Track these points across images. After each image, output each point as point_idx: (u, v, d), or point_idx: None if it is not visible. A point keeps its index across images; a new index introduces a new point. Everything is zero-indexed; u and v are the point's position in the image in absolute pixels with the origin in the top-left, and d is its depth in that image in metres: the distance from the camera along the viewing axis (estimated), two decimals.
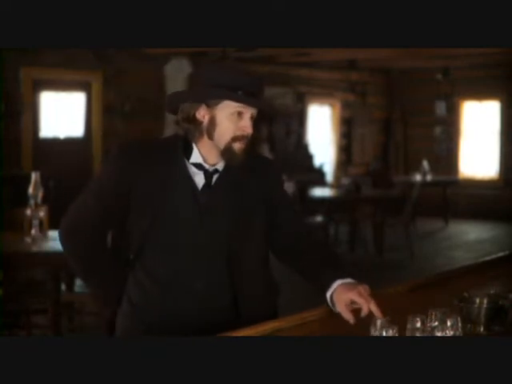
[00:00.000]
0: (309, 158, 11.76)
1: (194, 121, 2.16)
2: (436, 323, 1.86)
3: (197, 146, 2.19)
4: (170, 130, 8.39)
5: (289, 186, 8.57)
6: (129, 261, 2.25)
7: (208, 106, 2.14)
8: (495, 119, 12.54)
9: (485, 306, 2.14)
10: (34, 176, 4.38)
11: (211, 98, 2.13)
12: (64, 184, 7.52)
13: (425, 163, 11.66)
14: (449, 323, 1.83)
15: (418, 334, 1.84)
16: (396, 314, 1.92)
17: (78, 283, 4.94)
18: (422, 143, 13.06)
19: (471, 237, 10.71)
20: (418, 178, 11.32)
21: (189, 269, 2.19)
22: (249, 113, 2.15)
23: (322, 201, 9.29)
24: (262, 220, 2.27)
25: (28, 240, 4.32)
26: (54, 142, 8.89)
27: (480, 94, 12.43)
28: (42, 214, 4.39)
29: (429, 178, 11.52)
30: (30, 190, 4.35)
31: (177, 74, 9.58)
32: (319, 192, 9.79)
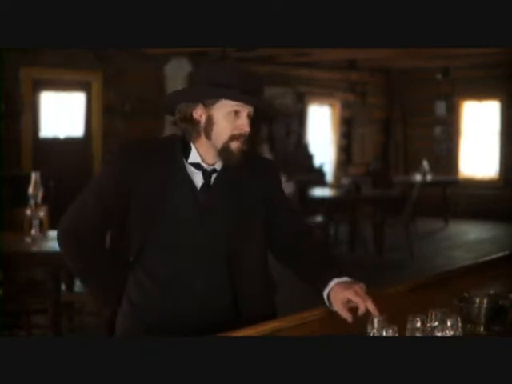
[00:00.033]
0: (309, 158, 11.76)
1: (191, 121, 2.16)
2: (436, 323, 1.86)
3: (195, 146, 2.19)
4: (169, 129, 8.39)
5: (289, 186, 8.57)
6: (128, 261, 2.25)
7: (205, 105, 2.14)
8: (495, 119, 12.54)
9: (485, 306, 2.14)
10: (34, 176, 4.38)
11: (208, 98, 2.14)
12: (64, 184, 7.52)
13: (425, 163, 11.67)
14: (449, 323, 1.83)
15: (418, 334, 1.84)
16: (396, 314, 1.92)
17: (78, 283, 4.94)
18: (422, 143, 13.06)
19: (471, 237, 10.71)
20: (418, 178, 11.32)
21: (189, 269, 2.19)
22: (246, 111, 2.15)
23: (322, 201, 9.29)
24: (262, 220, 2.27)
25: (28, 240, 4.32)
26: (54, 142, 8.89)
27: (480, 93, 12.43)
28: (42, 213, 4.39)
29: (429, 178, 11.52)
30: (30, 190, 4.35)
31: (177, 73, 9.57)
32: (319, 192, 9.79)
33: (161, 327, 2.18)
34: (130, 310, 2.25)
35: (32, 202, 4.35)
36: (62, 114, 8.91)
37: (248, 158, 2.26)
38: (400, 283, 2.53)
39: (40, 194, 4.36)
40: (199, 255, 2.19)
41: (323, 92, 12.20)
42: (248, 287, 2.23)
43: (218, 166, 2.21)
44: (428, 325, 1.87)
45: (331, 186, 11.55)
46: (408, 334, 1.85)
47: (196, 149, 2.19)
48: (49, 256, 4.09)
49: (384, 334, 1.82)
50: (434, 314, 1.89)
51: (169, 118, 2.26)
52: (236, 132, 2.14)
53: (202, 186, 2.19)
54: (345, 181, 10.50)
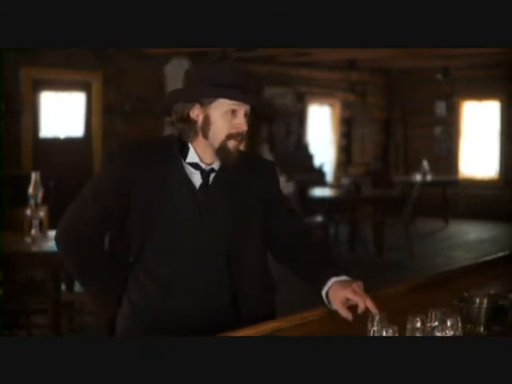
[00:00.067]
0: (309, 157, 11.75)
1: (188, 120, 2.17)
2: (436, 323, 1.86)
3: (192, 146, 2.19)
4: (170, 130, 8.39)
5: (289, 186, 8.58)
6: (127, 262, 2.24)
7: (202, 104, 2.14)
8: (495, 119, 12.54)
9: (485, 306, 2.14)
10: (34, 176, 4.38)
11: (205, 97, 2.14)
12: (64, 184, 7.52)
13: (425, 163, 11.67)
14: (449, 323, 1.83)
15: (418, 334, 1.84)
16: (396, 314, 1.92)
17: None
18: (422, 143, 13.06)
19: (471, 237, 10.71)
20: (418, 178, 11.33)
21: (189, 269, 2.19)
22: (243, 110, 2.15)
23: (322, 201, 9.29)
24: (261, 220, 2.27)
25: (28, 240, 4.32)
26: (54, 142, 8.89)
27: (480, 93, 12.43)
28: (42, 213, 4.40)
29: (429, 178, 11.52)
30: (30, 190, 4.35)
31: (177, 73, 9.57)
32: (319, 192, 9.79)
33: (161, 327, 2.18)
34: (130, 310, 2.25)
35: (32, 202, 4.35)
36: (62, 114, 8.91)
37: (246, 158, 2.27)
38: (400, 283, 2.53)
39: (40, 194, 4.36)
40: (199, 255, 2.19)
41: (323, 92, 12.20)
42: (248, 287, 2.23)
43: (216, 165, 2.21)
44: (428, 325, 1.87)
45: (331, 185, 11.55)
46: (408, 334, 1.85)
47: (194, 148, 2.19)
48: (49, 256, 4.09)
49: (384, 333, 1.82)
50: (434, 313, 1.89)
51: (168, 118, 2.26)
52: (233, 131, 2.15)
53: (201, 185, 2.20)
54: (345, 181, 10.50)
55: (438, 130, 13.02)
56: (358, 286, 2.09)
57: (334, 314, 2.12)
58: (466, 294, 2.21)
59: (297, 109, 11.72)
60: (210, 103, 2.14)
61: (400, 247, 9.12)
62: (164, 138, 2.28)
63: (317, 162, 11.85)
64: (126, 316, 2.26)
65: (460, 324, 1.84)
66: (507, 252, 3.13)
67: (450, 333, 1.82)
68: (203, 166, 2.20)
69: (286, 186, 8.88)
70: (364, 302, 2.02)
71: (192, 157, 2.19)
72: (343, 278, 2.15)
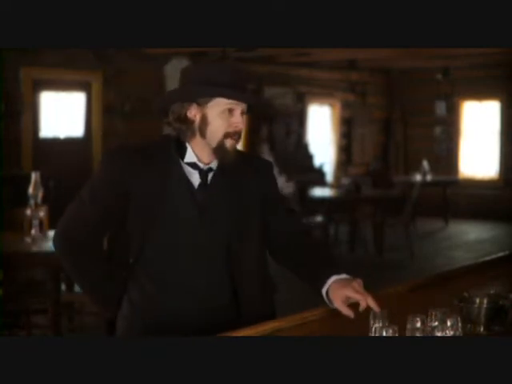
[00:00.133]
0: (309, 157, 11.75)
1: (185, 120, 2.17)
2: (436, 323, 1.86)
3: (190, 146, 2.20)
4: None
5: (289, 186, 8.58)
6: (127, 263, 2.24)
7: (199, 104, 2.15)
8: (495, 119, 12.54)
9: (485, 306, 2.14)
10: (34, 176, 4.38)
11: (201, 97, 2.14)
12: (64, 184, 7.52)
13: (425, 163, 11.67)
14: (449, 323, 1.83)
15: (418, 334, 1.84)
16: (396, 314, 1.92)
17: None
18: (422, 143, 13.06)
19: (471, 237, 10.71)
20: (418, 178, 11.33)
21: (189, 269, 2.19)
22: (239, 109, 2.16)
23: (322, 201, 9.29)
24: (260, 219, 2.28)
25: (28, 240, 4.32)
26: (54, 142, 8.89)
27: (480, 93, 12.43)
28: (42, 213, 4.40)
29: (429, 178, 11.52)
30: (30, 190, 4.35)
31: (177, 74, 9.51)
32: (319, 192, 9.79)
33: (161, 327, 2.18)
34: (130, 310, 2.25)
35: (32, 202, 4.35)
36: (62, 114, 8.91)
37: (244, 157, 2.28)
38: (400, 283, 2.53)
39: (40, 194, 4.36)
40: (199, 255, 2.19)
41: (323, 92, 12.20)
42: (248, 287, 2.23)
43: (214, 164, 2.22)
44: (428, 325, 1.87)
45: (331, 185, 11.55)
46: (408, 334, 1.85)
47: (191, 148, 2.20)
48: (49, 256, 4.09)
49: (384, 333, 1.82)
50: (434, 313, 1.89)
51: (165, 119, 2.26)
52: (231, 129, 2.15)
53: (199, 185, 2.20)
54: (345, 181, 10.51)
55: (437, 130, 13.02)
56: (358, 283, 2.09)
57: (333, 314, 2.12)
58: (465, 294, 2.21)
59: (297, 109, 11.72)
60: (207, 103, 2.14)
61: (400, 247, 9.12)
62: (161, 139, 2.28)
63: (317, 162, 11.85)
64: (125, 316, 2.26)
65: (460, 324, 1.84)
66: (507, 252, 3.13)
67: (450, 333, 1.83)
68: (201, 165, 2.20)
69: (286, 186, 8.88)
70: (365, 300, 2.03)
71: (190, 156, 2.19)
72: (343, 276, 2.16)
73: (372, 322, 1.89)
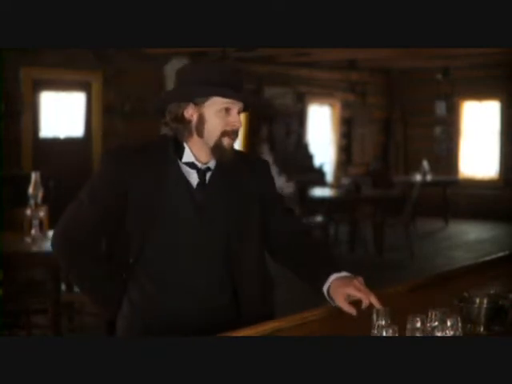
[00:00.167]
0: (309, 157, 11.75)
1: (182, 120, 2.18)
2: (436, 323, 1.86)
3: (188, 145, 2.20)
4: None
5: (289, 186, 8.57)
6: (126, 264, 2.24)
7: (195, 104, 2.15)
8: (495, 119, 12.54)
9: (485, 306, 2.14)
10: (34, 176, 4.38)
11: (198, 96, 2.15)
12: (64, 184, 7.51)
13: (425, 163, 11.67)
14: (449, 323, 1.83)
15: (418, 334, 1.84)
16: (396, 314, 1.92)
17: None
18: (422, 143, 13.06)
19: (471, 237, 10.71)
20: (418, 178, 11.33)
21: (189, 269, 2.19)
22: (236, 108, 2.17)
23: (322, 201, 9.29)
24: (259, 218, 2.28)
25: (28, 240, 4.32)
26: (54, 142, 8.89)
27: (480, 93, 12.43)
28: (42, 213, 4.40)
29: (429, 178, 11.52)
30: (30, 190, 4.35)
31: None
32: (319, 192, 9.79)
33: (161, 327, 2.18)
34: (130, 310, 2.25)
35: (32, 202, 4.35)
36: (62, 114, 8.90)
37: (241, 156, 2.29)
38: (400, 283, 2.53)
39: (40, 194, 4.36)
40: (199, 255, 2.19)
41: (323, 92, 12.19)
42: (248, 287, 2.24)
43: (212, 164, 2.22)
44: (428, 325, 1.87)
45: (331, 185, 11.55)
46: (408, 334, 1.85)
47: (189, 148, 2.20)
48: (49, 256, 4.08)
49: (384, 333, 1.82)
50: (434, 313, 1.89)
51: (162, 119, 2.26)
52: (228, 128, 2.16)
53: (198, 184, 2.20)
54: (345, 181, 10.51)
55: (438, 129, 13.02)
56: (359, 281, 2.11)
57: (333, 313, 2.12)
58: (465, 294, 2.21)
59: (297, 109, 11.71)
60: (204, 102, 2.15)
61: (400, 247, 9.12)
62: (159, 139, 2.28)
63: (317, 162, 11.85)
64: (125, 316, 2.26)
65: (460, 324, 1.84)
66: (507, 252, 3.13)
67: (450, 333, 1.82)
68: (199, 164, 2.21)
69: (286, 186, 8.88)
70: (368, 298, 2.04)
71: (188, 156, 2.20)
72: (344, 274, 2.17)
73: (375, 319, 1.89)
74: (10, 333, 4.65)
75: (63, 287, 4.84)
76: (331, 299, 2.14)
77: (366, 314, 2.00)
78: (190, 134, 2.19)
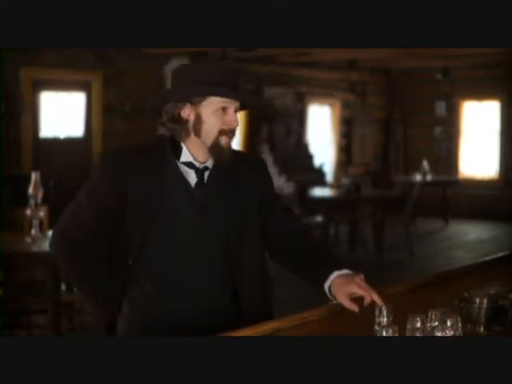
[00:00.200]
0: (309, 157, 11.75)
1: (179, 120, 2.18)
2: (436, 323, 1.86)
3: (185, 145, 2.20)
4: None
5: (289, 186, 8.57)
6: (126, 265, 2.23)
7: (192, 104, 2.16)
8: (495, 119, 12.53)
9: (485, 306, 2.14)
10: (34, 176, 4.38)
11: (195, 96, 2.15)
12: (64, 184, 7.51)
13: (425, 163, 11.66)
14: (449, 323, 1.83)
15: (418, 334, 1.84)
16: (396, 314, 1.92)
17: None
18: (422, 143, 13.06)
19: (471, 237, 10.71)
20: (418, 178, 11.33)
21: (189, 269, 2.19)
22: (233, 107, 2.17)
23: (322, 201, 9.29)
24: (259, 219, 2.28)
25: (28, 240, 4.32)
26: (54, 142, 8.89)
27: (480, 93, 12.43)
28: (42, 213, 4.39)
29: (429, 178, 11.52)
30: (30, 190, 4.35)
31: None
32: (319, 192, 9.79)
33: (161, 327, 2.18)
34: (130, 310, 2.25)
35: (32, 202, 4.35)
36: (62, 114, 8.90)
37: (239, 156, 2.29)
38: (400, 283, 2.53)
39: (40, 194, 4.36)
40: (198, 255, 2.19)
41: (323, 92, 12.19)
42: (248, 286, 2.24)
43: (210, 163, 2.23)
44: (428, 325, 1.87)
45: (331, 185, 11.55)
46: (408, 334, 1.85)
47: (187, 148, 2.20)
48: (49, 256, 4.05)
49: (384, 334, 1.82)
50: (434, 313, 1.89)
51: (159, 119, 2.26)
52: (225, 127, 2.16)
53: (196, 184, 2.21)
54: (345, 181, 10.51)
55: (438, 129, 13.02)
56: (360, 279, 2.12)
57: (334, 313, 2.12)
58: (466, 294, 2.21)
59: (297, 109, 11.71)
60: (201, 102, 2.15)
61: (400, 247, 9.12)
62: (156, 139, 2.28)
63: (317, 162, 11.85)
64: (126, 316, 2.26)
65: (460, 324, 1.84)
66: (507, 252, 3.12)
67: (450, 333, 1.82)
68: (197, 164, 2.21)
69: (286, 186, 8.88)
70: (370, 296, 2.06)
71: (186, 156, 2.20)
72: (345, 271, 2.18)
73: (377, 317, 1.90)
74: (10, 333, 4.65)
75: (63, 287, 4.84)
76: (333, 296, 2.15)
77: (367, 312, 2.00)
78: (188, 134, 2.19)
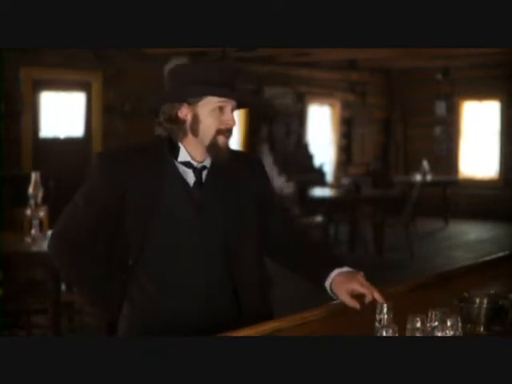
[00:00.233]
0: (309, 157, 11.75)
1: (176, 120, 2.18)
2: (436, 323, 1.86)
3: (183, 145, 2.21)
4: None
5: (289, 186, 8.57)
6: (125, 265, 2.23)
7: (189, 104, 2.16)
8: (495, 119, 12.54)
9: (485, 306, 2.14)
10: (34, 176, 4.38)
11: (192, 96, 2.15)
12: (64, 184, 7.51)
13: (425, 163, 11.67)
14: (449, 323, 1.83)
15: (418, 334, 1.84)
16: (396, 314, 1.92)
17: None
18: (422, 143, 13.06)
19: (471, 237, 10.71)
20: (418, 178, 11.33)
21: (188, 269, 2.19)
22: (229, 106, 2.17)
23: (322, 201, 9.29)
24: (258, 219, 2.28)
25: (28, 240, 4.32)
26: (54, 142, 8.89)
27: (480, 93, 12.43)
28: (42, 213, 4.39)
29: (429, 178, 11.52)
30: (30, 190, 4.35)
31: None
32: (319, 192, 9.79)
33: (161, 327, 2.18)
34: (130, 310, 2.25)
35: (32, 202, 4.35)
36: (62, 114, 8.91)
37: (237, 155, 2.29)
38: (400, 283, 2.53)
39: (40, 194, 4.36)
40: (198, 255, 2.19)
41: (323, 92, 12.19)
42: (248, 286, 2.24)
43: (207, 162, 2.23)
44: (428, 325, 1.87)
45: (331, 185, 11.55)
46: (408, 334, 1.85)
47: (184, 147, 2.21)
48: (49, 256, 4.07)
49: (384, 334, 1.82)
50: (434, 313, 1.89)
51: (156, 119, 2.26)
52: (222, 127, 2.17)
53: (195, 183, 2.21)
54: (345, 181, 10.51)
55: (437, 129, 13.02)
56: (361, 276, 2.14)
57: (333, 313, 2.12)
58: (466, 294, 2.21)
59: (297, 109, 11.71)
60: (198, 102, 2.16)
61: (400, 247, 9.12)
62: (153, 140, 2.28)
63: (317, 162, 11.85)
64: (126, 316, 2.26)
65: (460, 324, 1.84)
66: (507, 252, 3.12)
67: (450, 333, 1.82)
68: (195, 163, 2.21)
69: (286, 186, 8.88)
70: (372, 293, 2.07)
71: (183, 156, 2.20)
72: (346, 269, 2.20)
73: (377, 314, 1.91)
74: (10, 333, 4.65)
75: (63, 287, 4.83)
76: (334, 294, 2.16)
77: (367, 312, 2.00)
78: (185, 134, 2.19)
